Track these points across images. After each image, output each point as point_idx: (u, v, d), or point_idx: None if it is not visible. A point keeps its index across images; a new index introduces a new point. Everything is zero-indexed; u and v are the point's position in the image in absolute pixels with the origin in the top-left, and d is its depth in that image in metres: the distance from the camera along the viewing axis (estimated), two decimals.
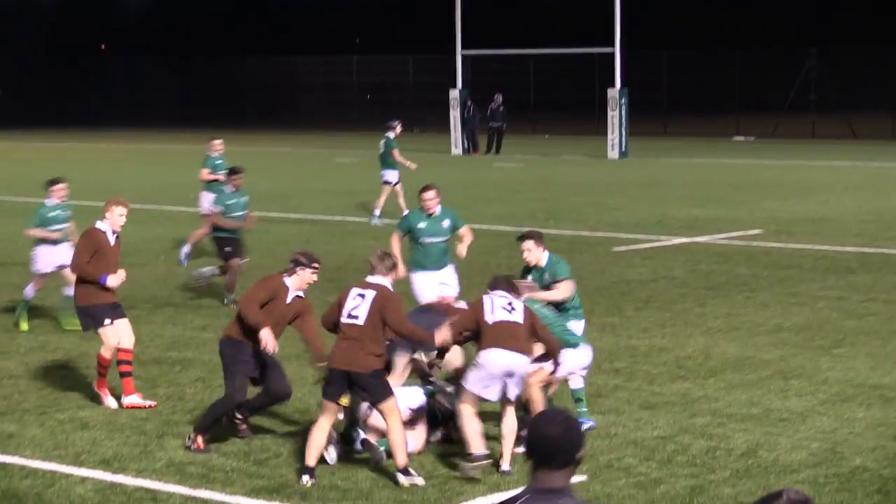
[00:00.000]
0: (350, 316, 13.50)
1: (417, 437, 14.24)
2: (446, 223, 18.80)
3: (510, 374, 13.62)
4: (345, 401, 13.53)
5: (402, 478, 13.16)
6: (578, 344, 14.93)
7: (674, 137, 70.69)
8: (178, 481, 13.25)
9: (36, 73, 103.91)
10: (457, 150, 63.91)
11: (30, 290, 21.22)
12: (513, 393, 13.77)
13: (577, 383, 15.01)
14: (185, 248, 27.85)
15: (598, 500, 12.58)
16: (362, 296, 13.56)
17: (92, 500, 12.71)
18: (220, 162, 28.99)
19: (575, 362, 14.81)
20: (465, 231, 19.05)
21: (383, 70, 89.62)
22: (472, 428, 13.56)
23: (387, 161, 35.64)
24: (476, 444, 13.46)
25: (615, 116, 59.25)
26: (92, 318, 16.46)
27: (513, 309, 13.86)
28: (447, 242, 18.83)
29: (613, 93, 59.32)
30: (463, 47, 64.21)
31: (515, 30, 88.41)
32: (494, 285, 14.25)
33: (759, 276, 25.32)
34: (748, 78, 78.16)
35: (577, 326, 15.53)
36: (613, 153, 58.63)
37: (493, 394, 13.72)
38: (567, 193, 42.27)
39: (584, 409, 14.99)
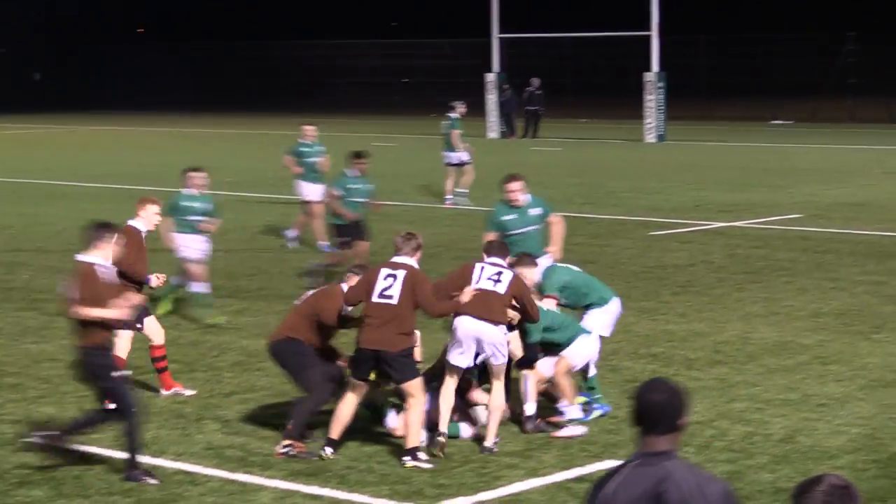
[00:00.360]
0: (382, 296, 13.48)
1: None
2: (535, 212, 17.71)
3: (478, 342, 13.66)
4: (373, 376, 13.59)
5: (408, 460, 13.21)
6: (590, 332, 15.00)
7: (712, 122, 70.41)
8: (216, 465, 13.29)
9: (75, 56, 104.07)
10: (493, 133, 63.79)
11: (180, 279, 20.73)
12: (494, 364, 13.84)
13: (590, 372, 15.04)
14: (291, 233, 27.74)
15: None
16: (393, 276, 13.54)
17: (131, 482, 12.76)
18: (307, 149, 28.21)
19: (589, 351, 14.85)
20: (554, 219, 17.96)
21: (420, 54, 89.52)
22: (444, 405, 13.71)
23: (449, 143, 35.92)
24: (442, 422, 13.65)
25: (652, 100, 59.07)
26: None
27: (498, 280, 13.86)
28: (539, 232, 17.78)
29: (651, 77, 59.12)
30: (500, 31, 64.11)
31: (552, 13, 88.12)
32: (489, 251, 14.32)
33: (798, 261, 25.23)
34: (786, 62, 77.77)
35: (598, 314, 15.54)
36: (651, 137, 58.49)
37: (464, 361, 13.81)
38: (604, 178, 42.17)
39: (599, 396, 14.97)
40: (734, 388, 16.00)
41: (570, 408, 14.51)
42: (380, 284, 13.55)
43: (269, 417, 14.96)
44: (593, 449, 13.74)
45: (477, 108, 66.85)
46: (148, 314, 16.44)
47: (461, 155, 35.63)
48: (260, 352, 18.26)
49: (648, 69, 59.43)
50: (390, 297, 13.45)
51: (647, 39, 59.41)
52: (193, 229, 20.54)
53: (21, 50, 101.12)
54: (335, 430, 13.48)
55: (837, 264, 24.80)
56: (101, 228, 13.28)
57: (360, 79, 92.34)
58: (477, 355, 13.84)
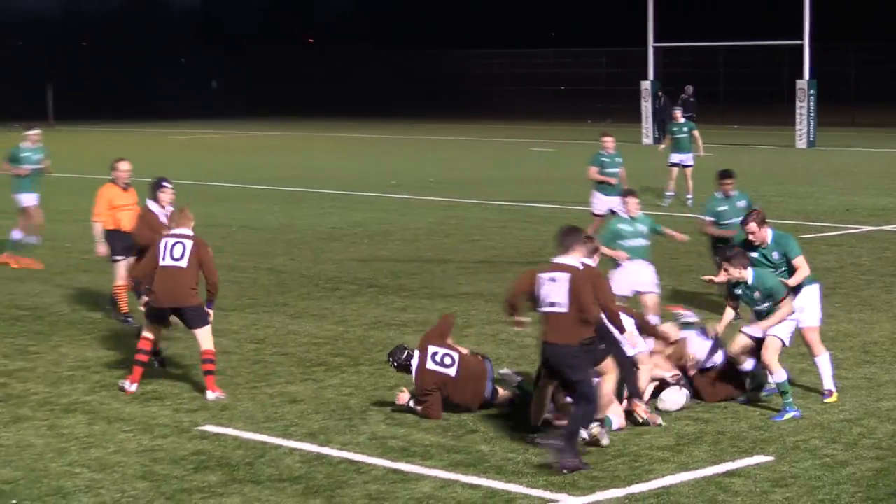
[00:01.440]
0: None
1: (620, 415, 14.21)
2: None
3: None
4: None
5: (595, 426, 13.42)
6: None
7: (861, 128, 69.33)
8: (380, 454, 13.37)
9: (248, 64, 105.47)
10: (647, 139, 63.47)
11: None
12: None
13: (780, 376, 14.78)
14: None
15: (785, 480, 12.42)
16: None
17: (299, 470, 12.89)
18: (608, 160, 27.11)
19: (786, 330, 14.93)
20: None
21: (577, 62, 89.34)
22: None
23: (681, 145, 37.10)
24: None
25: (804, 107, 58.43)
26: None
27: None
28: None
29: (802, 84, 58.48)
30: (655, 40, 63.76)
31: (706, 22, 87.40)
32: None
33: None
34: None
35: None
36: (801, 143, 57.85)
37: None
38: (755, 182, 41.62)
39: (790, 400, 14.69)
40: (882, 388, 15.73)
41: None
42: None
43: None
44: (743, 444, 13.60)
45: (632, 116, 66.61)
46: None
47: (682, 156, 37.05)
48: None
49: (799, 77, 58.77)
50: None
51: (799, 48, 58.76)
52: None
53: (200, 61, 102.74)
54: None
55: None
56: (573, 232, 13.67)
57: (519, 87, 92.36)
58: None
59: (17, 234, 26.90)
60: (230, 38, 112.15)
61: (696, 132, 37.13)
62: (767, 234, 15.72)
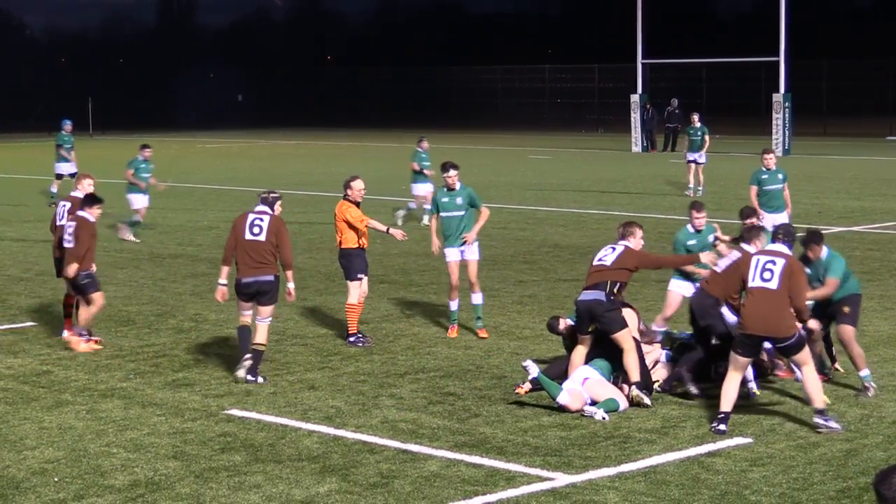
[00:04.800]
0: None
1: (624, 398, 14.30)
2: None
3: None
4: None
5: (634, 389, 14.20)
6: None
7: (832, 137, 69.30)
8: (391, 436, 13.35)
9: (270, 81, 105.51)
10: (636, 148, 63.49)
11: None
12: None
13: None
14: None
15: (762, 460, 12.39)
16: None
17: (317, 451, 12.87)
18: (766, 177, 24.51)
19: None
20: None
21: (572, 77, 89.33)
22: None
23: (695, 145, 40.47)
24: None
25: (779, 118, 58.46)
26: None
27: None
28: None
29: (778, 97, 58.50)
30: (643, 57, 63.73)
31: (690, 40, 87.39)
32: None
33: None
34: None
35: None
36: (778, 151, 57.77)
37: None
38: (735, 186, 41.66)
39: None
40: (852, 375, 15.69)
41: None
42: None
43: (438, 395, 15.02)
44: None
45: (622, 126, 66.59)
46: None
47: (697, 156, 40.31)
48: (429, 337, 18.38)
49: (776, 90, 58.76)
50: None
51: (776, 64, 58.75)
52: None
53: (226, 76, 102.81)
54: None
55: None
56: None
57: (518, 100, 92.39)
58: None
59: (125, 232, 29.64)
60: (255, 56, 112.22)
61: (706, 136, 40.66)
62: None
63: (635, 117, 63.92)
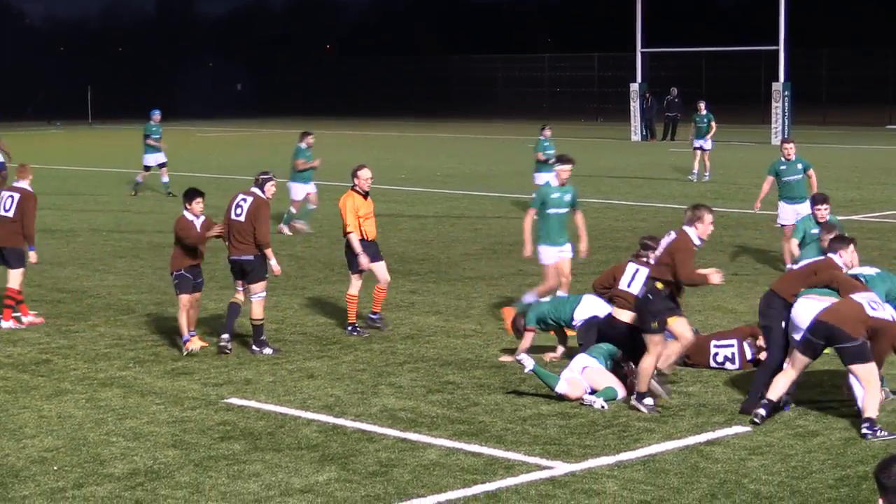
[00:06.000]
0: None
1: (622, 386, 14.36)
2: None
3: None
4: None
5: (633, 400, 13.62)
6: None
7: (832, 126, 69.28)
8: (390, 425, 13.36)
9: (269, 70, 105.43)
10: (636, 137, 63.51)
11: None
12: None
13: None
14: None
15: (761, 448, 12.41)
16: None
17: (316, 439, 12.88)
18: (784, 167, 23.63)
19: None
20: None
21: (571, 66, 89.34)
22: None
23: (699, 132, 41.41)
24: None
25: (779, 107, 58.46)
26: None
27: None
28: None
29: (777, 86, 58.49)
30: (643, 46, 63.69)
31: (690, 29, 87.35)
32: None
33: None
34: None
35: None
36: (777, 140, 57.81)
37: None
38: (734, 175, 41.73)
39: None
40: None
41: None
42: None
43: (437, 384, 15.03)
44: (722, 416, 13.56)
45: (621, 115, 66.58)
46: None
47: (703, 143, 41.26)
48: (428, 326, 18.39)
49: (775, 79, 58.73)
50: None
51: (775, 53, 58.71)
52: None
53: (225, 66, 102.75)
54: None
55: None
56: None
57: (518, 89, 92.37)
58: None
59: (299, 224, 29.17)
60: (253, 45, 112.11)
61: (713, 122, 41.62)
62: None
63: (634, 106, 63.93)
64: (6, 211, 18.75)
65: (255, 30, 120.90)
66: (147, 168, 37.82)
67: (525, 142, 58.55)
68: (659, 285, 13.58)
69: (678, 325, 14.08)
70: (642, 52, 64.04)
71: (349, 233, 17.68)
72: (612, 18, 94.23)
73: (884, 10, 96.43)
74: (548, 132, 32.30)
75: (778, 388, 13.33)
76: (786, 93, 58.29)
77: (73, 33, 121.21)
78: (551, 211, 17.72)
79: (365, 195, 17.91)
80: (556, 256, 17.68)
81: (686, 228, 13.78)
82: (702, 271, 13.88)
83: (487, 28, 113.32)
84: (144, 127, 38.42)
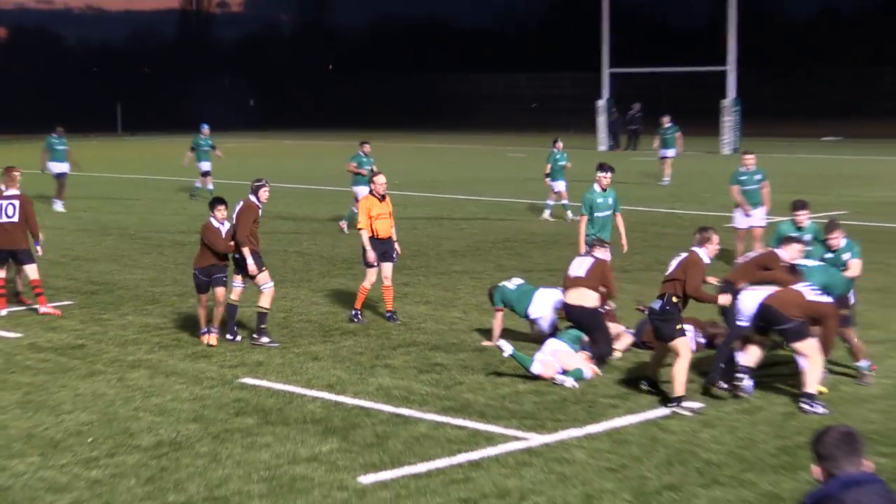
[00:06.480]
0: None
1: (591, 368, 14.44)
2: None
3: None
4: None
5: (673, 406, 13.00)
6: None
7: (776, 138, 69.37)
8: (385, 401, 13.39)
9: (278, 87, 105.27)
10: (602, 147, 63.57)
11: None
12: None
13: None
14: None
15: (712, 422, 12.47)
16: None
17: (320, 414, 12.91)
18: (746, 178, 23.49)
19: None
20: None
21: (546, 84, 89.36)
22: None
23: (667, 142, 41.81)
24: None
25: (729, 121, 58.63)
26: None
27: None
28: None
29: (727, 102, 58.60)
30: (609, 66, 63.74)
31: (651, 51, 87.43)
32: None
33: None
34: (839, 89, 76.62)
35: None
36: (726, 150, 58.06)
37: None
38: (690, 181, 41.78)
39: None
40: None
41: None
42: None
43: (426, 365, 15.06)
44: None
45: (589, 127, 66.59)
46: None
47: (667, 152, 41.58)
48: (419, 315, 18.42)
49: (725, 97, 58.89)
50: None
51: (724, 74, 58.88)
52: None
53: (239, 83, 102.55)
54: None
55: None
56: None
57: (498, 105, 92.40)
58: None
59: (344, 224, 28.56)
60: (264, 66, 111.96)
61: (678, 134, 41.87)
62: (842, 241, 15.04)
63: (601, 120, 64.03)
64: (10, 217, 18.64)
65: (266, 52, 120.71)
66: (206, 174, 37.09)
67: (505, 151, 58.55)
68: (674, 299, 13.35)
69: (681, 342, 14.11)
70: (609, 73, 64.11)
71: (360, 229, 17.81)
72: (581, 42, 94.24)
73: (824, 34, 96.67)
74: (560, 144, 31.75)
75: (751, 355, 13.49)
76: (735, 108, 58.42)
77: (103, 55, 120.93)
78: (598, 214, 18.10)
79: (381, 198, 17.93)
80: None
81: (696, 249, 13.63)
82: (710, 293, 13.85)
83: (471, 50, 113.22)
84: (193, 139, 38.02)
